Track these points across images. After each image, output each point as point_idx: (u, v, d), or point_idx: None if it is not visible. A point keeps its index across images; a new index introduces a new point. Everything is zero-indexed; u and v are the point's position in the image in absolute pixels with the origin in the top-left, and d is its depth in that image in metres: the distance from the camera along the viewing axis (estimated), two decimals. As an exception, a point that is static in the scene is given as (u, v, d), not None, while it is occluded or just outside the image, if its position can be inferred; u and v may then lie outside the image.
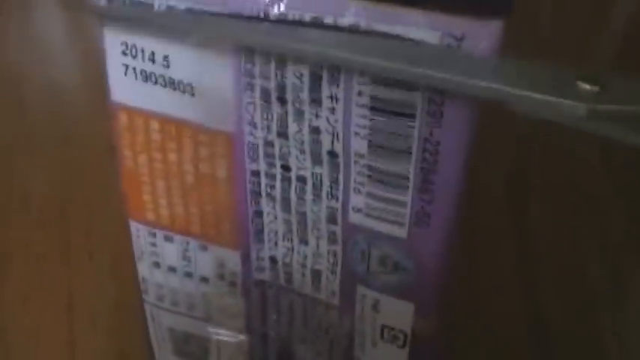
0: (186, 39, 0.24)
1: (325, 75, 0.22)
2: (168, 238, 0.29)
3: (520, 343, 0.33)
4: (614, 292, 0.34)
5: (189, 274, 0.30)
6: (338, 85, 0.22)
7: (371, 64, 0.21)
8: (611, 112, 0.19)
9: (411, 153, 0.23)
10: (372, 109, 0.22)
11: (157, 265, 0.30)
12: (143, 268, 0.30)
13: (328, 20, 0.22)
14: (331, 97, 0.23)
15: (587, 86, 0.19)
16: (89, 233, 0.38)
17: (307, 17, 0.22)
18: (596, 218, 0.36)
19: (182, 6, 0.23)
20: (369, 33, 0.21)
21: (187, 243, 0.29)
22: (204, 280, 0.29)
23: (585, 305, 0.34)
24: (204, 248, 0.29)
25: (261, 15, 0.22)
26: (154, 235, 0.29)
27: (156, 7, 0.23)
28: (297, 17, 0.22)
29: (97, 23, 0.25)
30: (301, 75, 0.23)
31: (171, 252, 0.29)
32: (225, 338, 0.31)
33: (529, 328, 0.33)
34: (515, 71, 0.20)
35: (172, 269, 0.30)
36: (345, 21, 0.21)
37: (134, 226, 0.29)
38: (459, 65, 0.20)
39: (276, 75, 0.23)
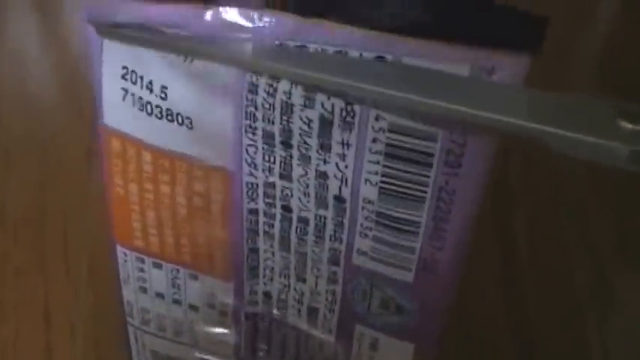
0: (190, 64, 0.22)
1: (337, 120, 0.21)
2: (157, 265, 0.28)
3: (505, 352, 0.33)
4: (601, 301, 0.34)
5: (177, 302, 0.28)
6: (351, 131, 0.21)
7: (393, 96, 0.19)
8: None
9: (424, 201, 0.22)
10: (387, 155, 0.21)
11: (143, 290, 0.29)
12: (128, 292, 0.29)
13: (354, 54, 0.20)
14: (342, 144, 0.21)
15: (630, 125, 0.18)
16: (66, 245, 0.37)
17: (331, 50, 0.21)
18: (583, 227, 0.36)
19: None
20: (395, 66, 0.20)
21: (177, 271, 0.27)
22: (193, 308, 0.28)
23: (571, 314, 0.34)
24: (194, 277, 0.27)
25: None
26: (142, 260, 0.28)
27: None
28: (319, 49, 0.21)
29: (95, 42, 0.23)
30: (309, 120, 0.21)
31: (159, 278, 0.28)
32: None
33: (513, 336, 0.34)
34: (548, 106, 0.19)
35: (160, 295, 0.28)
36: (372, 54, 0.20)
37: (121, 251, 0.28)
38: (488, 99, 0.19)
39: (282, 120, 0.22)
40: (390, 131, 0.21)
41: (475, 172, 0.21)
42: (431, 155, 0.21)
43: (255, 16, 0.21)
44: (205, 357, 0.30)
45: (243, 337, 0.29)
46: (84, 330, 0.35)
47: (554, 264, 0.35)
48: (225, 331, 0.29)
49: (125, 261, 0.28)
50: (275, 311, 0.27)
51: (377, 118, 0.21)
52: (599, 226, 0.36)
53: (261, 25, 0.21)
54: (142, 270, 0.28)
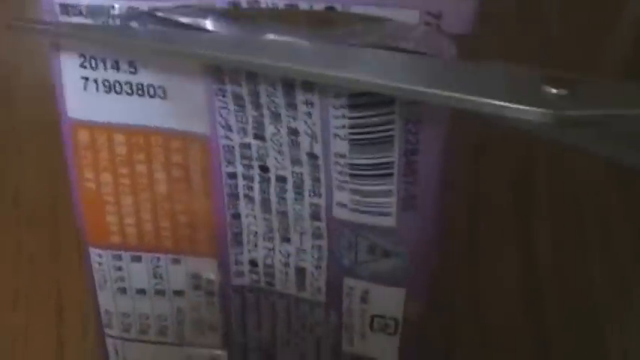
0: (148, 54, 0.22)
1: (297, 82, 0.21)
2: (135, 259, 0.28)
3: (522, 355, 0.34)
4: (621, 306, 0.34)
5: (161, 292, 0.28)
6: (312, 91, 0.22)
7: (340, 78, 0.20)
8: (581, 119, 0.18)
9: (393, 141, 0.22)
10: (351, 107, 0.22)
11: (122, 291, 0.28)
12: (106, 299, 0.29)
13: (304, 6, 0.21)
14: (306, 103, 0.22)
15: (554, 90, 0.18)
16: (79, 234, 0.37)
17: (281, 4, 0.21)
18: (604, 233, 0.36)
19: (144, 7, 0.22)
20: (345, 15, 0.21)
21: (158, 259, 0.28)
22: (178, 294, 0.28)
23: (590, 319, 0.34)
24: (176, 262, 0.28)
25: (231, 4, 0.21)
26: (119, 257, 0.28)
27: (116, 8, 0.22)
28: (269, 4, 0.21)
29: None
30: (273, 83, 0.22)
31: (139, 273, 0.28)
32: (205, 356, 0.30)
33: (532, 342, 0.34)
34: (475, 76, 0.20)
35: (141, 291, 0.28)
36: (321, 5, 0.21)
37: (95, 253, 0.28)
38: (420, 73, 0.20)
39: (248, 82, 0.22)
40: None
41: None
42: (390, 99, 0.21)
43: None
44: (194, 351, 0.30)
45: (233, 314, 0.29)
46: (95, 321, 0.34)
47: (574, 270, 0.35)
48: (213, 312, 0.29)
49: (100, 264, 0.28)
50: (262, 279, 0.27)
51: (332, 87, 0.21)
52: (621, 233, 0.36)
53: None
54: (119, 269, 0.28)
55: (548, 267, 0.35)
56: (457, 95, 0.19)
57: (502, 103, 0.18)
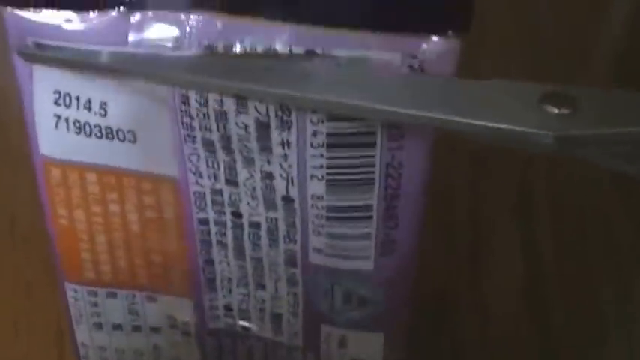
0: (125, 81, 0.22)
1: (273, 122, 0.21)
2: (111, 295, 0.27)
3: None
4: (628, 316, 0.34)
5: (137, 328, 0.28)
6: (289, 130, 0.21)
7: (321, 101, 0.20)
8: (585, 139, 0.17)
9: (373, 183, 0.21)
10: (329, 146, 0.21)
11: (98, 326, 0.28)
12: (82, 333, 0.28)
13: (282, 50, 0.20)
14: (282, 144, 0.21)
15: (555, 110, 0.18)
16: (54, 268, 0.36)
17: (259, 49, 0.20)
18: (607, 237, 0.36)
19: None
20: (327, 58, 0.20)
21: (134, 296, 0.27)
22: (155, 330, 0.28)
23: (597, 330, 0.34)
24: (152, 299, 0.27)
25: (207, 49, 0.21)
26: (95, 294, 0.27)
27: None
28: (247, 49, 0.20)
29: (23, 72, 0.23)
30: (245, 125, 0.21)
31: (115, 308, 0.27)
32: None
33: (537, 348, 0.33)
34: (471, 95, 0.19)
35: (118, 326, 0.28)
36: (300, 48, 0.20)
37: (71, 288, 0.27)
38: (408, 94, 0.19)
39: (218, 127, 0.21)
40: (330, 120, 0.20)
41: (420, 140, 0.21)
42: (373, 133, 0.21)
43: (183, 17, 0.20)
44: None
45: (209, 356, 0.28)
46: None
47: (578, 276, 0.35)
48: (190, 351, 0.28)
49: (76, 299, 0.27)
50: (238, 323, 0.27)
51: (314, 110, 0.20)
52: (624, 237, 0.36)
53: (189, 25, 0.20)
54: (95, 304, 0.27)
55: (551, 274, 0.34)
56: (451, 117, 0.18)
57: (500, 126, 0.17)
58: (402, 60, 0.20)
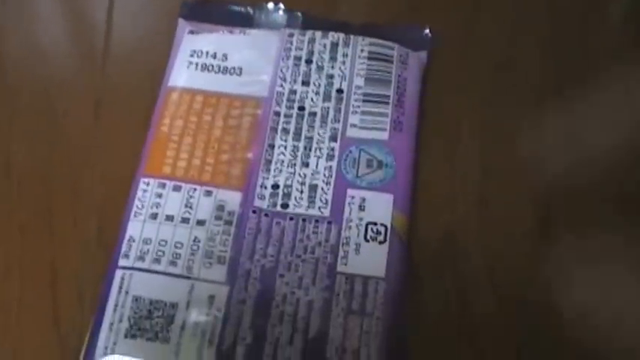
0: (245, 36, 0.39)
1: (341, 42, 0.38)
2: (176, 188, 0.35)
3: None
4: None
5: (186, 220, 0.34)
6: (349, 47, 0.38)
7: None
8: None
9: (391, 81, 0.37)
10: (369, 58, 0.38)
11: (154, 216, 0.34)
12: (134, 226, 0.34)
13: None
14: (344, 55, 0.38)
15: None
16: (73, 201, 0.35)
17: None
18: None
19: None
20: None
21: (194, 190, 0.35)
22: (200, 223, 0.34)
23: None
24: (209, 193, 0.35)
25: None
26: (164, 185, 0.35)
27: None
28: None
29: (178, 38, 0.39)
30: (324, 44, 0.38)
31: (175, 200, 0.35)
32: (204, 292, 0.33)
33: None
34: None
35: (170, 217, 0.34)
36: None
37: (144, 182, 0.35)
38: None
39: (307, 46, 0.38)
40: (370, 44, 0.38)
41: (415, 67, 0.38)
42: (391, 57, 0.38)
43: None
44: (198, 285, 0.33)
45: (245, 240, 0.34)
46: (91, 292, 0.33)
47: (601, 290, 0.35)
48: (225, 246, 0.34)
49: (145, 191, 0.35)
50: (279, 202, 0.34)
51: (363, 39, 0.38)
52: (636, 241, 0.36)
53: None
54: (159, 195, 0.35)
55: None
56: None
57: None
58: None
